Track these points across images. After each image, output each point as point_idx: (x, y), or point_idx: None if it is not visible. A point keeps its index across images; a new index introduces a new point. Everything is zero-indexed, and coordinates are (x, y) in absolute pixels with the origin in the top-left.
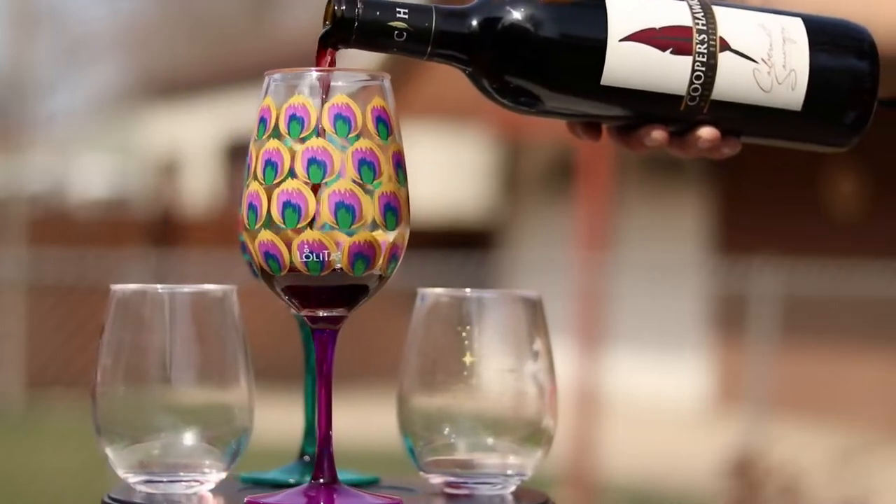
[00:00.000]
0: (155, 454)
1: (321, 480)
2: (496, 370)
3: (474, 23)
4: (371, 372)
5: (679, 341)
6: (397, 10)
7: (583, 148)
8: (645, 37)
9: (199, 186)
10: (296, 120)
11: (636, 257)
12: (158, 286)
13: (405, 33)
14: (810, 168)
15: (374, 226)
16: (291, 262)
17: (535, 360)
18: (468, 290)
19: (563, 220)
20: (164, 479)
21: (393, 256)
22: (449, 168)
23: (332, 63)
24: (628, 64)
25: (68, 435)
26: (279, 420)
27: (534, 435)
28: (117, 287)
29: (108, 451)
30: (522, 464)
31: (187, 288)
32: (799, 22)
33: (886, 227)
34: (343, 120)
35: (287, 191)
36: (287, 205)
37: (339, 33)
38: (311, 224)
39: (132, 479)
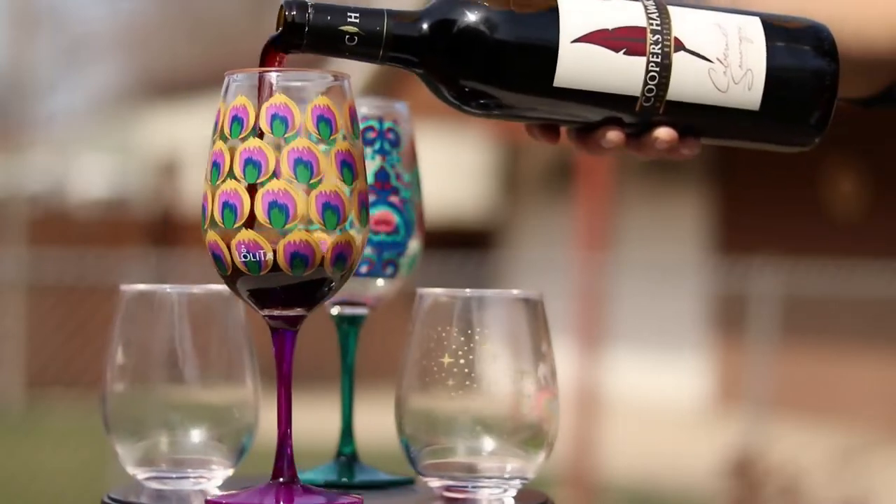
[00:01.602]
0: (163, 451)
1: (280, 479)
2: (496, 371)
3: (426, 26)
4: (370, 372)
5: (679, 341)
6: (348, 14)
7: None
8: (597, 38)
9: (199, 186)
10: (237, 121)
11: (636, 257)
12: (167, 286)
13: (357, 37)
14: (810, 168)
15: (312, 225)
16: (233, 262)
17: (536, 360)
18: (468, 290)
19: (563, 220)
20: (173, 476)
21: (339, 256)
22: (449, 168)
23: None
24: (581, 65)
25: (68, 435)
26: (318, 420)
27: (535, 437)
28: (126, 287)
29: (118, 448)
30: (523, 467)
31: (195, 288)
32: (756, 21)
33: (886, 227)
34: (280, 120)
35: (226, 191)
36: (225, 205)
37: (291, 39)
38: (246, 224)
39: (141, 475)
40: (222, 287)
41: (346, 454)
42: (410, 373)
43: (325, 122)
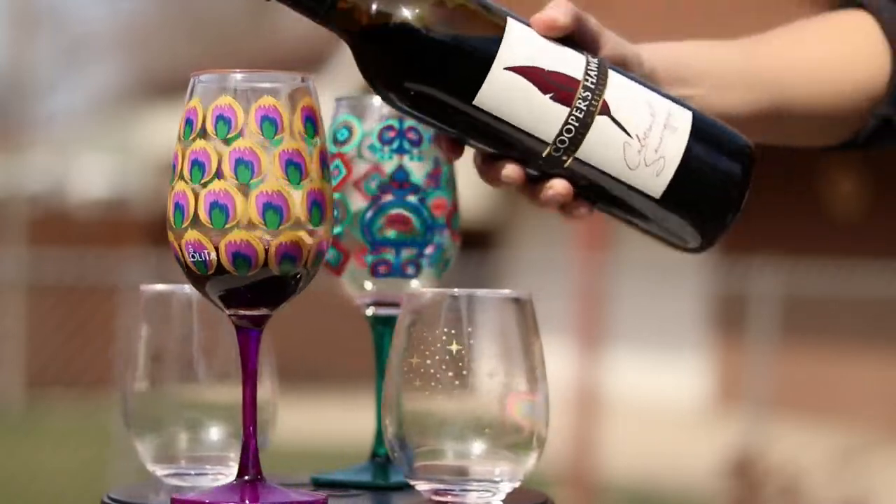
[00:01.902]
0: (182, 448)
1: (245, 477)
2: (485, 373)
3: (375, 6)
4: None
5: (679, 341)
6: None
7: None
8: (530, 73)
9: None
10: (189, 123)
11: (636, 257)
12: (186, 286)
13: None
14: (810, 168)
15: (300, 224)
16: (219, 262)
17: (526, 362)
18: (456, 289)
19: (563, 220)
20: (192, 472)
21: (285, 256)
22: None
23: None
24: (506, 93)
25: (68, 435)
26: (353, 420)
27: (525, 440)
28: (146, 287)
29: (138, 445)
30: (514, 470)
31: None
32: (688, 114)
33: (886, 227)
34: (269, 121)
35: (177, 192)
36: (214, 205)
37: None
38: (238, 224)
39: (160, 471)
40: None
41: (381, 455)
42: (397, 374)
43: (269, 122)
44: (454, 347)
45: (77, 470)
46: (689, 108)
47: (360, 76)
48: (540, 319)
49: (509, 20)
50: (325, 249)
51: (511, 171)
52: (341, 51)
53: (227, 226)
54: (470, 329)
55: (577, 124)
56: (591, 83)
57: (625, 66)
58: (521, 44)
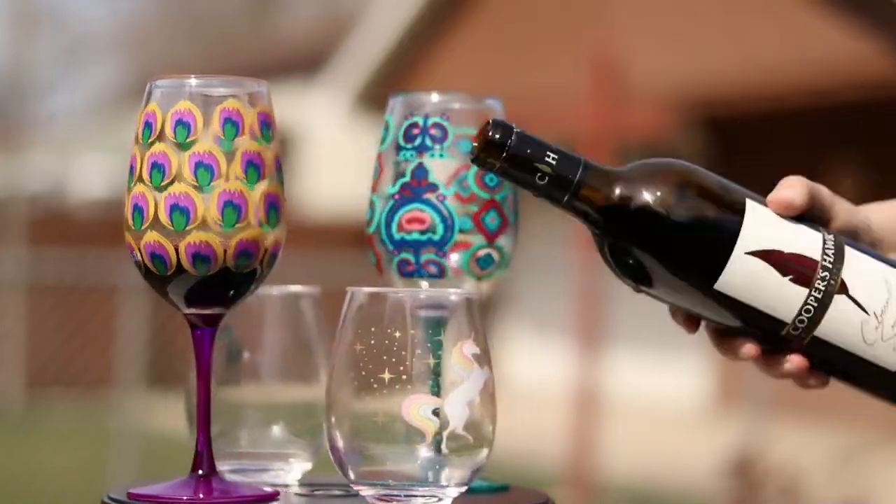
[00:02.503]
0: (244, 446)
1: (200, 472)
2: (431, 373)
3: (618, 191)
4: None
5: (679, 341)
6: (548, 152)
7: (582, 147)
8: (771, 257)
9: None
10: (147, 126)
11: None
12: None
13: (548, 177)
14: (810, 167)
15: (258, 224)
16: (178, 262)
17: (473, 361)
18: (399, 289)
19: (563, 219)
20: (253, 469)
21: (242, 253)
22: None
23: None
24: (746, 277)
25: (68, 435)
26: None
27: (472, 442)
28: None
29: None
30: (461, 474)
31: (274, 289)
32: None
33: None
34: (183, 125)
35: (136, 195)
36: (135, 208)
37: (487, 156)
38: (198, 225)
39: (223, 467)
40: (299, 288)
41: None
42: (340, 377)
43: (231, 125)
44: (398, 349)
45: (77, 470)
46: None
47: (360, 76)
48: (540, 319)
49: (748, 202)
50: (272, 250)
51: (749, 350)
52: (341, 51)
53: (187, 227)
54: (416, 328)
55: (815, 305)
56: (829, 263)
57: (855, 236)
58: (760, 227)
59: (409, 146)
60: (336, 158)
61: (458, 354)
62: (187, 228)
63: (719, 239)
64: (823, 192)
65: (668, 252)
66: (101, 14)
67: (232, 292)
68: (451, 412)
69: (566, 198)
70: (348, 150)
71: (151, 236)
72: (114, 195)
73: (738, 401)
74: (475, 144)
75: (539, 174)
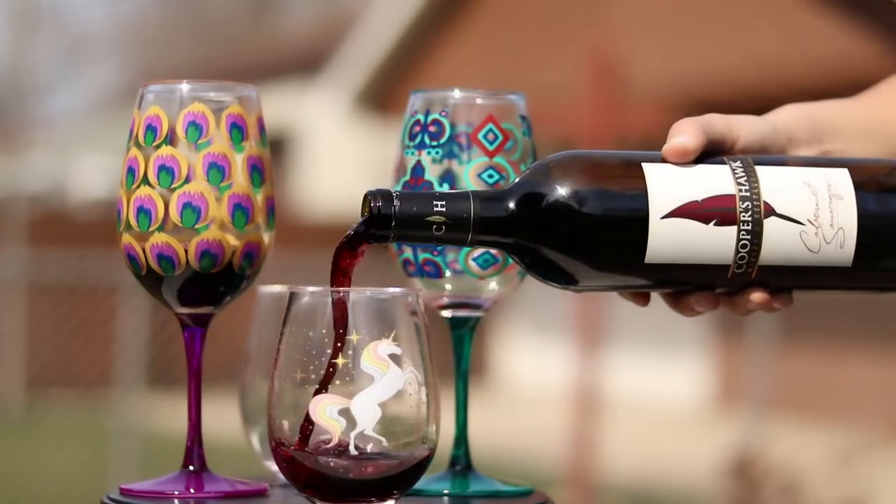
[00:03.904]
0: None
1: (191, 468)
2: (371, 373)
3: (512, 204)
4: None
5: (679, 341)
6: (434, 202)
7: (582, 147)
8: (687, 211)
9: None
10: (150, 130)
11: None
12: (309, 287)
13: (444, 226)
14: None
15: (222, 226)
16: (147, 262)
17: (389, 361)
18: (342, 288)
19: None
20: None
21: (247, 255)
22: None
23: (361, 255)
24: (672, 240)
25: (68, 435)
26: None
27: (415, 439)
28: (264, 290)
29: (254, 442)
30: (403, 470)
31: (276, 289)
32: (844, 173)
33: None
34: (195, 126)
35: (140, 196)
36: (140, 209)
37: (377, 229)
38: (160, 227)
39: (274, 467)
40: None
41: (462, 462)
42: (281, 375)
43: (237, 129)
44: (339, 347)
45: (77, 470)
46: (840, 164)
47: (360, 76)
48: (540, 319)
49: (644, 166)
50: (257, 252)
51: (703, 302)
52: (341, 51)
53: (197, 226)
54: (355, 327)
55: (749, 237)
56: (746, 191)
57: (764, 148)
58: (665, 186)
59: (411, 144)
60: (335, 158)
61: (371, 355)
62: (196, 227)
63: (630, 214)
64: (715, 119)
65: (587, 245)
66: (101, 14)
67: (223, 291)
68: (358, 413)
69: (470, 237)
70: (347, 151)
71: (160, 237)
72: (114, 195)
73: (738, 401)
74: (361, 222)
75: (435, 226)
